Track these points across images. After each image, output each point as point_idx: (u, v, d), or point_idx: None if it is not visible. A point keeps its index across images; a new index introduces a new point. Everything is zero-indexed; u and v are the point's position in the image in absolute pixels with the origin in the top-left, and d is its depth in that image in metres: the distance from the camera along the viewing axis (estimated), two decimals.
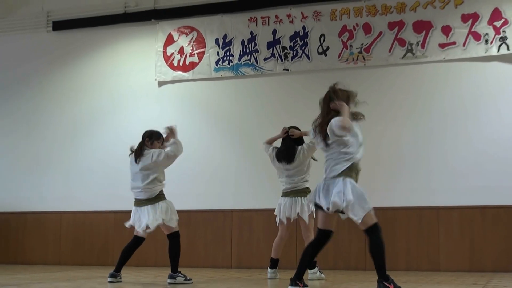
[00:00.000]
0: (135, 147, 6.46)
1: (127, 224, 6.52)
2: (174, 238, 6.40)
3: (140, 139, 6.47)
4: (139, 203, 6.38)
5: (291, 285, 5.08)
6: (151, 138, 6.43)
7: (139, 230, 6.36)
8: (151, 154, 6.27)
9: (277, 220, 6.95)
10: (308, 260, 5.22)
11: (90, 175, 9.67)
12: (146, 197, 6.32)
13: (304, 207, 6.77)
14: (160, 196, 6.38)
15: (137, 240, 6.50)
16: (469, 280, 6.30)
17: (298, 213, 6.76)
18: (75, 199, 9.68)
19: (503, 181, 7.88)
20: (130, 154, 6.47)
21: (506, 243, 7.78)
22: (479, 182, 7.97)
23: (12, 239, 9.97)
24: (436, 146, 8.23)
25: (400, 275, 6.92)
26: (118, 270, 6.48)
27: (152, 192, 6.33)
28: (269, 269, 6.93)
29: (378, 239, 4.86)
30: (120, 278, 6.50)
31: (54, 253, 9.69)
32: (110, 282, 6.36)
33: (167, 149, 6.34)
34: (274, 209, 7.33)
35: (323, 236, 5.12)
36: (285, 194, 6.90)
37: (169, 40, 9.59)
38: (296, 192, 6.85)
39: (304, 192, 6.81)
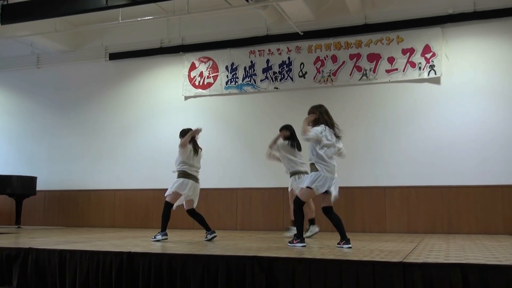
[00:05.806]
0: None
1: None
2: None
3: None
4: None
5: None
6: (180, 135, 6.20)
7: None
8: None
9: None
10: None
11: (135, 164, 9.58)
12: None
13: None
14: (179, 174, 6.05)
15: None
16: (407, 239, 6.21)
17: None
18: (124, 180, 9.60)
19: (429, 168, 7.88)
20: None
21: (432, 212, 7.77)
22: (412, 169, 7.96)
23: (79, 209, 9.89)
24: (382, 144, 8.19)
25: (358, 235, 6.92)
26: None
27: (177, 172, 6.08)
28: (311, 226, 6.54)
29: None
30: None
31: (110, 219, 9.63)
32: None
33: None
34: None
35: None
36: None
37: (192, 67, 9.49)
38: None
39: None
